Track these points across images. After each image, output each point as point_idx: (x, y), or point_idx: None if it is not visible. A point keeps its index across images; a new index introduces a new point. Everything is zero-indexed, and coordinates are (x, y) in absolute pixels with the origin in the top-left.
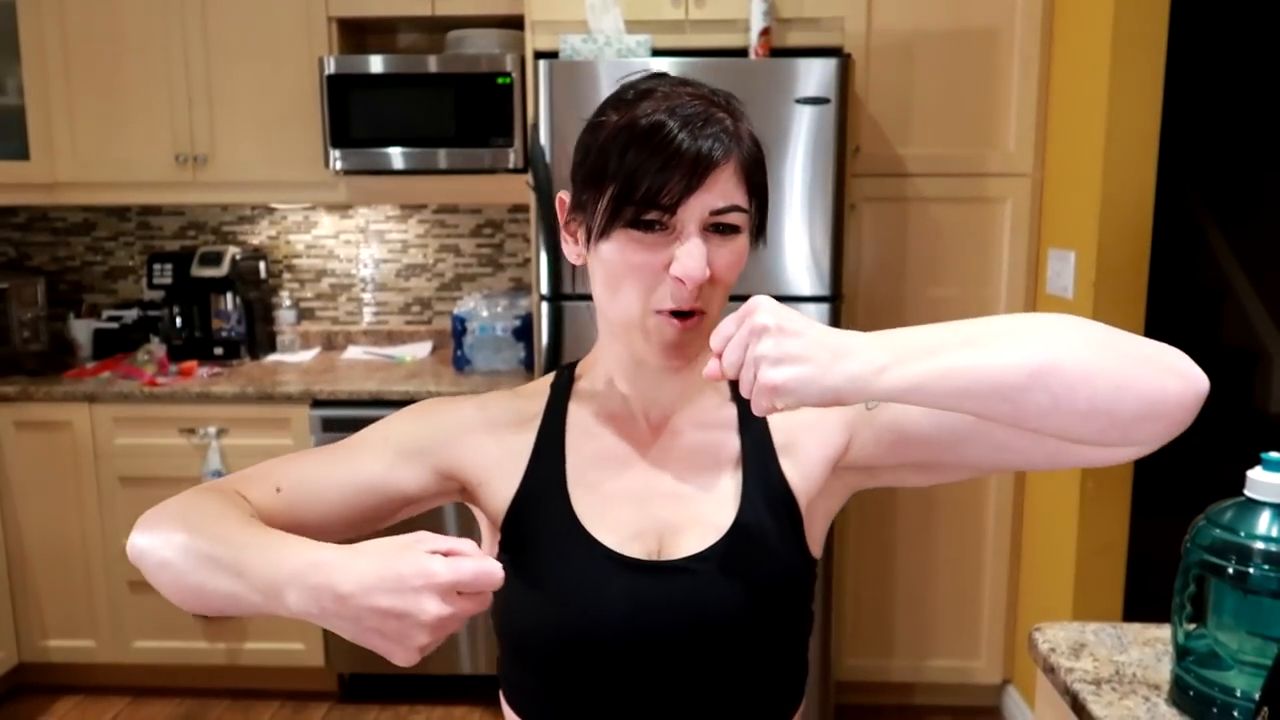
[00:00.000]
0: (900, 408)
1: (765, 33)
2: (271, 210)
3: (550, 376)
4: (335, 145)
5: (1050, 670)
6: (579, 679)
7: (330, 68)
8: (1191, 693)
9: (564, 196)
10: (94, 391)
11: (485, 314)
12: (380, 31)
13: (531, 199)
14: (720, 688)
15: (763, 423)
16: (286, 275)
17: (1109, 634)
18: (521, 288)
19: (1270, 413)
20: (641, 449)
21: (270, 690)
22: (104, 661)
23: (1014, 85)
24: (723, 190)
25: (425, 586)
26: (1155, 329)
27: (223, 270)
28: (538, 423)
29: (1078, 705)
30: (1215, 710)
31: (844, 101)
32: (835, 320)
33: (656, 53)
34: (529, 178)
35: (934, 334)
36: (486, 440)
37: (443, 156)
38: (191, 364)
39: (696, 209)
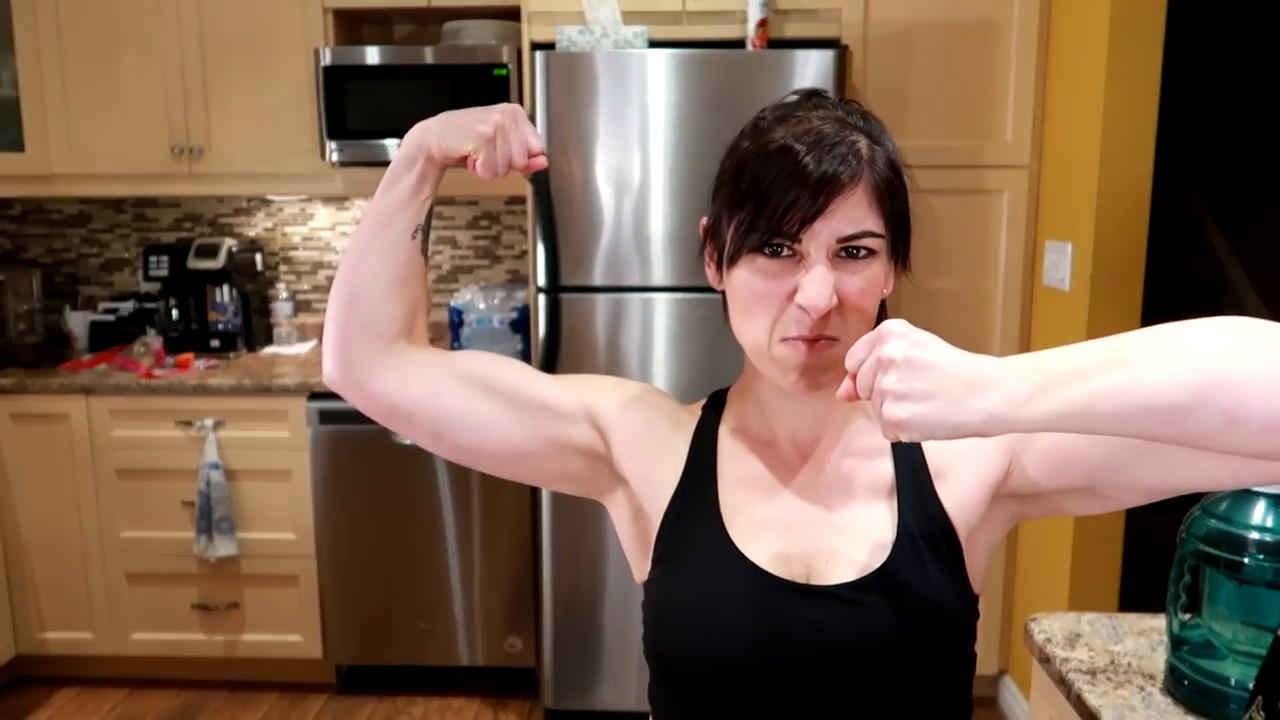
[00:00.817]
0: (1062, 460)
1: (762, 24)
2: (268, 202)
3: (704, 400)
4: (332, 137)
5: (1046, 660)
6: (727, 700)
7: (326, 59)
8: (1186, 682)
9: (705, 221)
10: (91, 384)
11: (482, 306)
12: (376, 22)
13: (528, 191)
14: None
15: (917, 448)
16: (283, 267)
17: (1104, 624)
18: (518, 280)
19: None
20: (790, 476)
21: (268, 682)
22: (101, 653)
23: (1011, 77)
24: (851, 215)
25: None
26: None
27: (219, 263)
28: (691, 431)
29: (1073, 695)
30: (1210, 699)
31: (841, 93)
32: None
33: (654, 44)
34: None
35: (1082, 354)
36: (649, 417)
37: None
38: (188, 356)
39: (823, 234)
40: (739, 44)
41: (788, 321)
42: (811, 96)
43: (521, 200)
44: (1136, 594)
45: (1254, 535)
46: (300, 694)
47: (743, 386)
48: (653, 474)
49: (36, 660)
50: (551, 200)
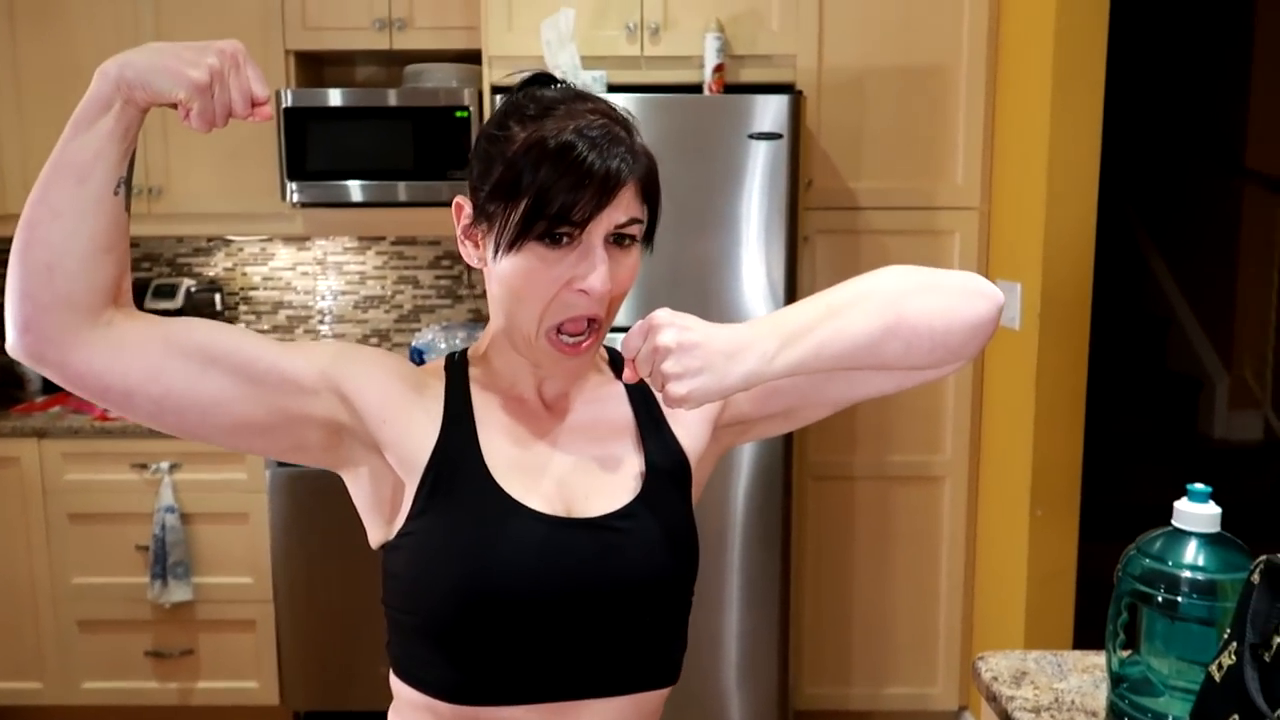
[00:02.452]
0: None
1: (719, 69)
2: (228, 242)
3: (441, 360)
4: (292, 178)
5: (993, 699)
6: (494, 634)
7: (288, 100)
8: (1125, 718)
9: (462, 202)
10: (43, 426)
11: (444, 345)
12: (338, 64)
13: None
14: (627, 644)
15: (647, 391)
16: (243, 307)
17: (1050, 661)
18: (480, 319)
19: (1213, 437)
20: (541, 426)
21: None
22: (51, 703)
23: (961, 121)
24: (626, 206)
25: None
26: (1101, 356)
27: (177, 303)
28: (441, 391)
29: None
30: None
31: (796, 136)
32: None
33: (612, 89)
34: None
35: (806, 311)
36: (395, 383)
37: (401, 189)
38: None
39: (603, 224)
40: (696, 89)
41: (561, 306)
42: (558, 86)
43: None
44: (1091, 626)
45: (1186, 574)
46: None
47: (484, 350)
48: (409, 433)
49: None
50: None
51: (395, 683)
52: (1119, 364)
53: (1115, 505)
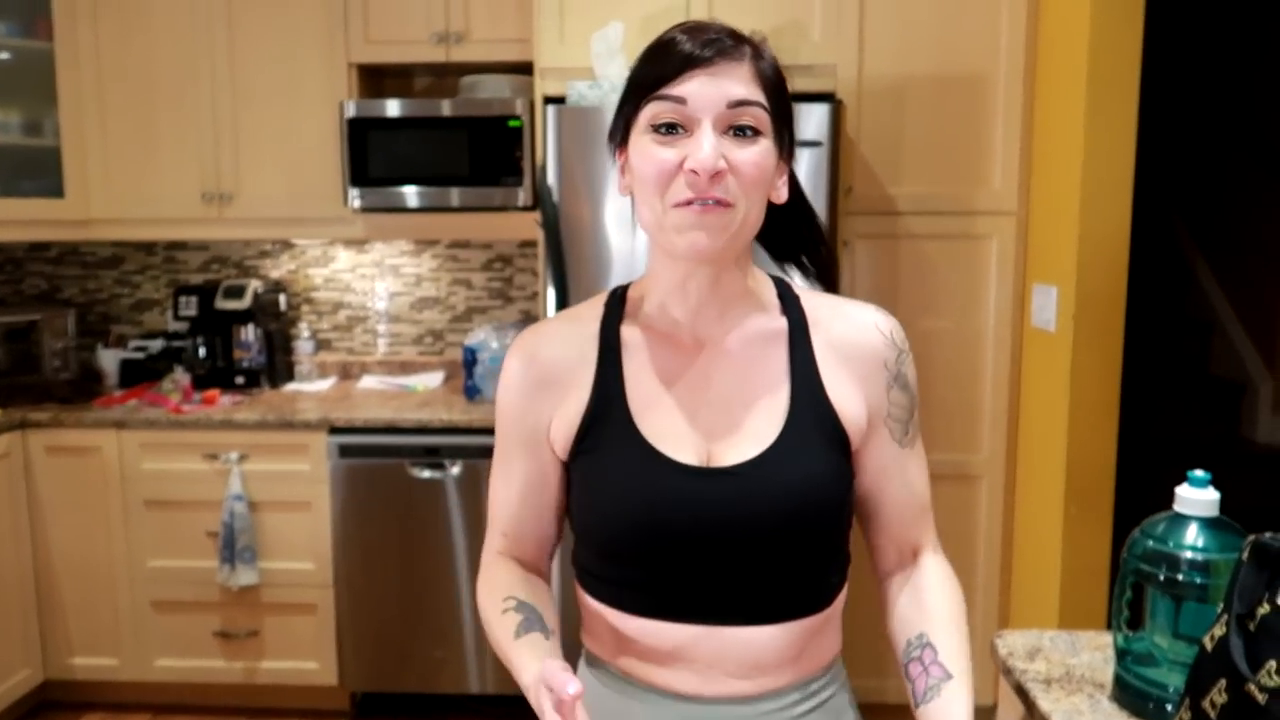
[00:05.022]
0: (880, 484)
1: None
2: (291, 245)
3: (604, 296)
4: (354, 184)
5: (1008, 672)
6: (642, 567)
7: (350, 111)
8: (1130, 689)
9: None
10: (122, 418)
11: (495, 345)
12: (398, 76)
13: (540, 235)
14: (767, 580)
15: (808, 342)
16: (305, 308)
17: (1064, 640)
18: (530, 319)
19: (1256, 441)
20: (691, 366)
21: (285, 708)
22: (127, 679)
23: (999, 127)
24: (735, 84)
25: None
26: (1143, 361)
27: (245, 303)
28: (596, 339)
29: (1028, 701)
30: (1150, 704)
31: (836, 144)
32: None
33: None
34: (537, 215)
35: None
36: (550, 390)
37: (456, 195)
38: (214, 392)
39: (711, 95)
40: None
41: (679, 187)
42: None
43: (533, 244)
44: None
45: (1186, 555)
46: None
47: (643, 285)
48: (570, 401)
49: (64, 685)
50: (562, 243)
51: (578, 588)
52: (1160, 368)
53: (1156, 508)
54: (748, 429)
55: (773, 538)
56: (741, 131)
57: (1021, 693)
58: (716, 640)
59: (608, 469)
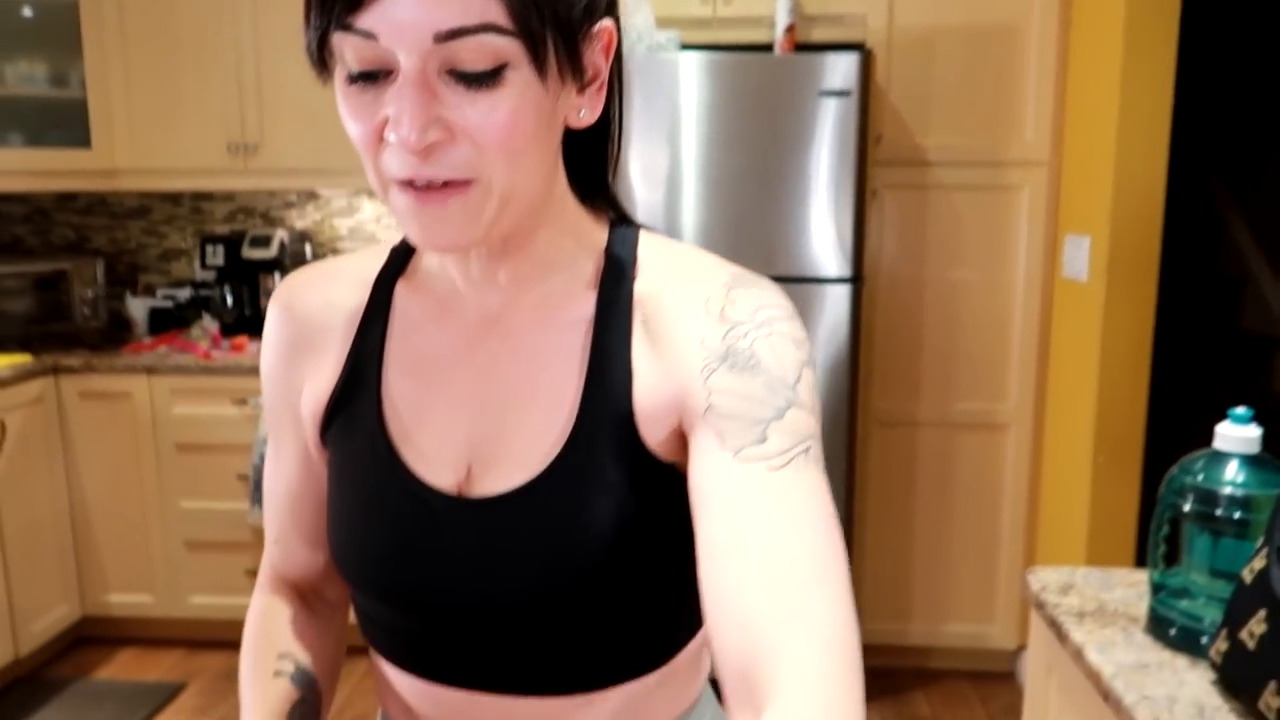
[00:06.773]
0: (702, 524)
1: (790, 29)
2: (316, 196)
3: (397, 242)
4: None
5: (1040, 606)
6: (392, 609)
7: None
8: (1164, 622)
9: None
10: (152, 364)
11: None
12: None
13: None
14: (558, 645)
15: (626, 325)
16: (330, 257)
17: (1097, 577)
18: None
19: None
20: (467, 351)
21: None
22: (161, 615)
23: (1031, 77)
24: (450, 4)
25: None
26: (1175, 315)
27: (272, 252)
28: (369, 294)
29: (1061, 635)
30: (1185, 636)
31: (865, 94)
32: (857, 300)
33: (685, 48)
34: None
35: None
36: (305, 356)
37: None
38: (243, 339)
39: (409, 32)
40: (767, 48)
41: (388, 161)
42: None
43: None
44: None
45: (1225, 491)
46: (347, 654)
47: None
48: (323, 371)
49: (101, 621)
50: None
51: None
52: (1191, 322)
53: (1182, 455)
54: (520, 444)
55: (549, 597)
56: (470, 78)
57: (1054, 626)
58: (503, 711)
59: (345, 472)
